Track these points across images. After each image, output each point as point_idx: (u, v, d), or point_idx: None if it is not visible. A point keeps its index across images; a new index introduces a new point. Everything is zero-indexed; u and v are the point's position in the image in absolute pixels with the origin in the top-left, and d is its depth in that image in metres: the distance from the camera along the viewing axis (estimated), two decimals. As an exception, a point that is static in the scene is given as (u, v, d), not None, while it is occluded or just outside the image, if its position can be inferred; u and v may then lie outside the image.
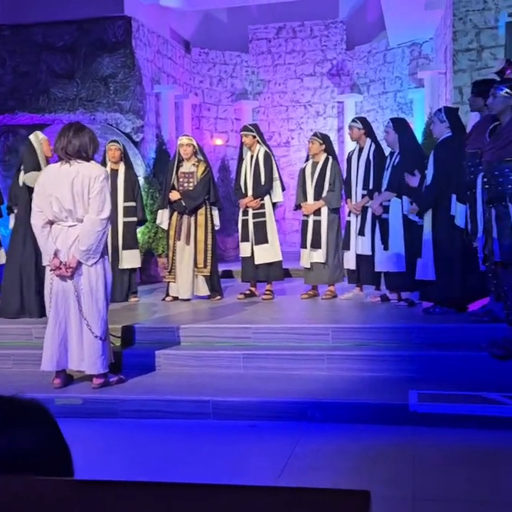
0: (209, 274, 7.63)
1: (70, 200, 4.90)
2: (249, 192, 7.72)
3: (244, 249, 7.80)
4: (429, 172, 6.30)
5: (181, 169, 7.74)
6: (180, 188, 7.65)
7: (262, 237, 7.67)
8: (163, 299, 7.79)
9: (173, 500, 0.86)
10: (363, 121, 7.54)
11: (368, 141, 7.38)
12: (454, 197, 6.13)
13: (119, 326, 6.12)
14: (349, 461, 3.98)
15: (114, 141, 8.08)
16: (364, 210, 7.24)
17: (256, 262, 7.69)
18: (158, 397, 4.98)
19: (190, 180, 7.65)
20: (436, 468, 3.84)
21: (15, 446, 1.08)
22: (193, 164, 7.71)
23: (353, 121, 7.58)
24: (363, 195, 7.27)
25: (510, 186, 5.08)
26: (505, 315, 5.30)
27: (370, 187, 7.20)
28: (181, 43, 13.58)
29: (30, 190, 6.22)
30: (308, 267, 7.65)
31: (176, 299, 7.71)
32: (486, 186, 5.27)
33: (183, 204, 7.59)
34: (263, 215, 7.71)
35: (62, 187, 4.91)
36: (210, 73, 14.38)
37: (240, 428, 4.63)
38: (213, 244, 7.70)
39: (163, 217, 7.87)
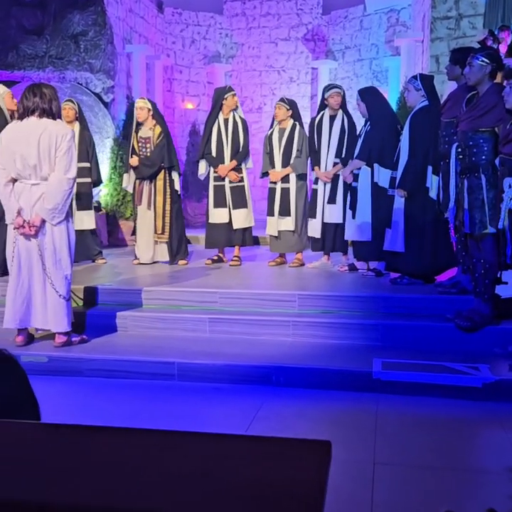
0: (167, 240, 7.59)
1: (36, 157, 4.84)
2: (226, 158, 7.63)
3: (220, 214, 7.67)
4: (404, 143, 6.22)
5: (139, 133, 7.63)
6: (140, 153, 7.57)
7: (240, 202, 7.63)
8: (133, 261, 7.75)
9: (150, 447, 0.85)
10: (342, 90, 7.37)
11: (340, 112, 7.31)
12: (429, 169, 6.09)
13: (81, 286, 6.08)
14: (311, 425, 4.02)
15: (69, 100, 7.93)
16: (335, 178, 7.22)
17: (235, 227, 7.64)
18: (124, 358, 4.99)
19: (147, 145, 7.55)
20: (397, 434, 3.88)
21: None
22: (150, 128, 7.58)
23: (335, 88, 7.37)
24: (335, 164, 7.24)
25: (483, 157, 5.04)
26: (472, 287, 5.32)
27: (343, 155, 7.17)
28: (154, 2, 13.35)
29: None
30: (276, 235, 7.61)
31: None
32: (460, 157, 5.21)
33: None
34: (241, 179, 7.67)
35: (27, 143, 4.85)
36: (182, 34, 14.16)
37: (205, 390, 4.65)
38: (174, 209, 7.57)
39: (129, 180, 7.76)
